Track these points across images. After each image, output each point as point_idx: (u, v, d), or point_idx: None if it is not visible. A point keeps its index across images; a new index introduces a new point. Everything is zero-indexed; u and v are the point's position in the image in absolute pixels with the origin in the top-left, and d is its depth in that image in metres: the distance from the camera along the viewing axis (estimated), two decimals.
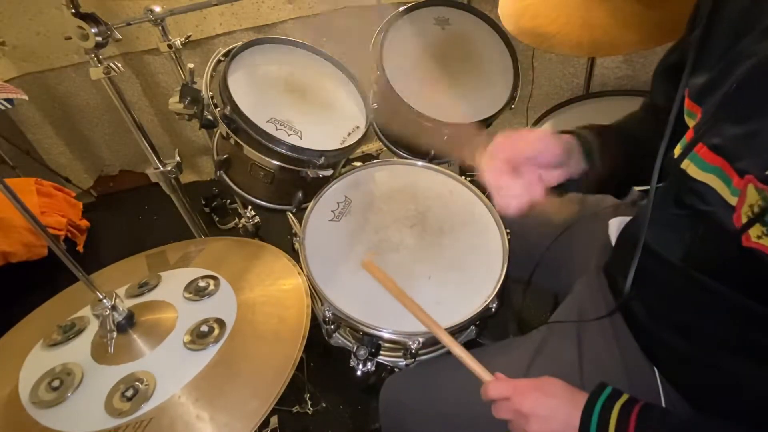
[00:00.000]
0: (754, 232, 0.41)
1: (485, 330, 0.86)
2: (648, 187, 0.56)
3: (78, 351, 0.65)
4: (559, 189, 0.63)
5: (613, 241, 0.73)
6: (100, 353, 0.64)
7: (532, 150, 0.59)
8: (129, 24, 1.00)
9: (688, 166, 0.49)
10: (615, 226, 0.74)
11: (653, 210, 0.56)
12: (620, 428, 0.47)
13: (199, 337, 0.64)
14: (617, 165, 0.64)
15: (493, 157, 0.60)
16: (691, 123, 0.52)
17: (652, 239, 0.56)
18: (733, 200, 0.43)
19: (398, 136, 1.19)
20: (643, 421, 0.47)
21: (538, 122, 1.32)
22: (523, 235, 0.87)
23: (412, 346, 0.75)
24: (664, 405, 0.56)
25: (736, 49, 0.46)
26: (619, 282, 0.65)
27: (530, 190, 0.58)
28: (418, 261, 0.85)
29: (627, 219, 0.73)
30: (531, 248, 0.85)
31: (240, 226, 1.56)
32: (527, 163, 0.59)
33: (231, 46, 0.96)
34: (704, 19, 0.51)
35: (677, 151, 0.52)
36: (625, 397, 0.50)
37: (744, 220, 0.42)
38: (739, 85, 0.44)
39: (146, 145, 1.02)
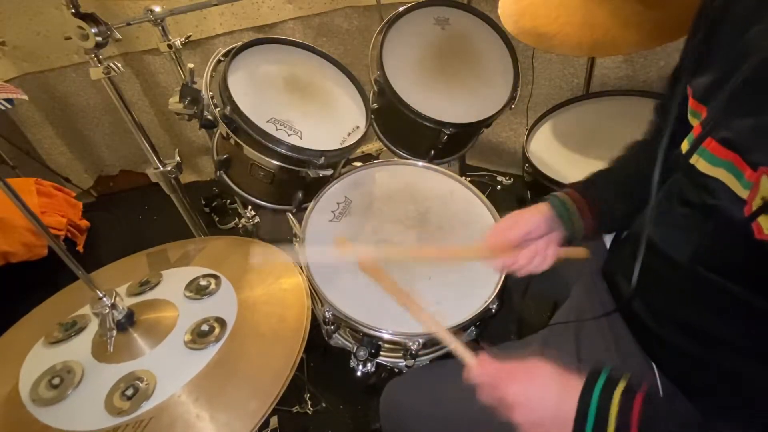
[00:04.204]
0: (766, 223, 0.41)
1: (485, 331, 0.86)
2: None
3: (79, 349, 0.65)
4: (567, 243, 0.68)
5: (608, 245, 0.75)
6: (101, 351, 0.64)
7: (521, 233, 0.65)
8: (129, 24, 1.00)
9: (697, 161, 0.49)
10: None
11: (658, 210, 0.56)
12: (622, 419, 0.43)
13: (200, 336, 0.64)
14: (613, 210, 0.68)
15: (495, 244, 0.66)
16: (695, 122, 0.52)
17: (657, 239, 0.56)
18: (744, 193, 0.43)
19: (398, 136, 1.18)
20: (648, 411, 0.43)
21: (538, 122, 1.32)
22: None
23: (412, 347, 0.75)
24: None
25: (741, 46, 0.46)
26: (620, 282, 0.66)
27: (536, 257, 0.65)
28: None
29: None
30: None
31: (240, 226, 1.56)
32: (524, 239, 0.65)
33: (231, 46, 0.96)
34: (708, 21, 0.52)
35: (684, 147, 0.52)
36: (624, 383, 0.46)
37: (754, 209, 0.42)
38: (746, 80, 0.44)
39: (146, 145, 1.01)
